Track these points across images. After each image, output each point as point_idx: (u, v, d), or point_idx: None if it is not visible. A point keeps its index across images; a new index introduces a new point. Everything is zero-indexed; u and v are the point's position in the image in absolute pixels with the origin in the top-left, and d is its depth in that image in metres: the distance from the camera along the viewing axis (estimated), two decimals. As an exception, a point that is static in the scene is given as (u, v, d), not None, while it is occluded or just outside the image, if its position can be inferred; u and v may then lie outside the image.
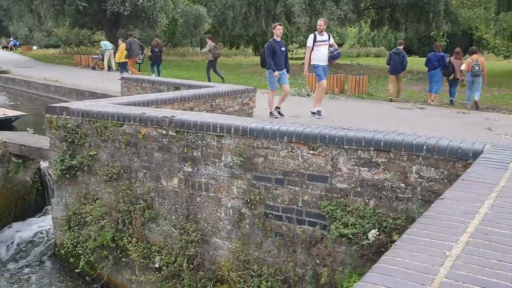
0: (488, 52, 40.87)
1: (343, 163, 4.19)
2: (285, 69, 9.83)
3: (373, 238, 3.98)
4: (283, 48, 9.76)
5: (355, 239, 4.08)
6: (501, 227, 2.20)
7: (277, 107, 9.88)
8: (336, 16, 19.87)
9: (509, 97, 15.39)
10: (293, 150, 4.37)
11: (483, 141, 3.91)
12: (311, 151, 4.30)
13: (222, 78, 17.12)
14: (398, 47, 14.29)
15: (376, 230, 4.00)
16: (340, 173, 4.21)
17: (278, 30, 9.64)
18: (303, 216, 4.40)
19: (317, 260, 4.31)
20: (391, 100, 13.69)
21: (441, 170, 3.82)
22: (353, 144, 4.12)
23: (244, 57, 34.41)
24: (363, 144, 4.08)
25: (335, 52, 9.93)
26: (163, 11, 27.00)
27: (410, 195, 3.94)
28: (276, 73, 9.50)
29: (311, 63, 9.96)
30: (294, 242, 4.44)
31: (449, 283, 1.69)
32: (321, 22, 10.00)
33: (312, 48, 9.81)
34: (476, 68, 12.32)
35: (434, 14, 23.63)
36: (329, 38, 9.96)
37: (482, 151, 3.66)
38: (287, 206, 4.45)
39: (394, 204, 4.01)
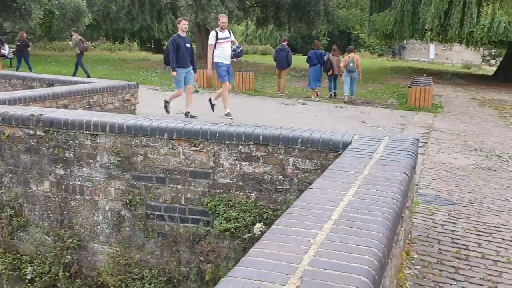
0: (365, 50, 44.14)
1: (225, 158, 4.19)
2: (191, 67, 9.43)
3: (259, 232, 4.04)
4: (188, 45, 9.36)
5: (237, 233, 4.11)
6: (363, 213, 2.33)
7: (187, 112, 9.41)
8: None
9: (382, 92, 16.75)
10: (174, 147, 4.28)
11: (351, 133, 4.16)
12: (193, 148, 4.25)
13: (75, 74, 16.12)
14: (282, 43, 15.34)
15: (262, 223, 4.08)
16: (222, 168, 4.21)
17: (184, 25, 9.27)
18: (186, 214, 4.33)
19: (201, 257, 4.28)
20: (279, 92, 14.75)
21: (315, 161, 4.00)
22: (234, 139, 4.14)
23: (129, 52, 33.16)
24: (243, 138, 4.13)
25: (238, 50, 9.86)
26: (36, 2, 24.96)
27: (288, 187, 4.06)
28: (174, 73, 9.15)
29: (214, 61, 9.74)
30: (177, 241, 4.35)
31: (311, 271, 1.74)
32: (224, 19, 9.79)
33: (215, 46, 9.58)
34: (351, 64, 13.42)
35: (315, 14, 24.87)
36: (231, 35, 9.86)
37: (351, 142, 3.89)
38: (169, 205, 4.35)
39: (274, 196, 4.12)
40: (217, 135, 4.15)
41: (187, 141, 4.23)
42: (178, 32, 9.35)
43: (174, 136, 4.24)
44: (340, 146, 3.91)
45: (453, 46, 32.43)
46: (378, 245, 1.98)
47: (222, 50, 9.58)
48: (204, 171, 4.23)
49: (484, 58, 42.76)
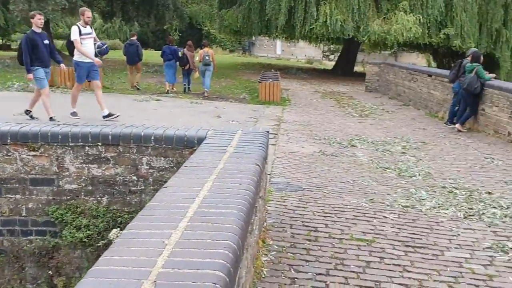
0: (217, 46, 44.90)
1: (70, 162, 3.89)
2: (50, 68, 8.54)
3: (116, 237, 3.83)
4: (46, 41, 8.35)
5: (90, 241, 3.85)
6: (217, 207, 2.33)
7: (27, 110, 8.46)
8: (61, 7, 18.47)
9: (235, 87, 17.24)
10: (9, 153, 3.83)
11: (206, 128, 4.17)
12: (32, 152, 3.85)
13: None
14: (131, 38, 15.44)
15: (119, 228, 3.87)
16: (67, 173, 3.90)
17: (39, 20, 8.21)
18: (29, 226, 3.93)
19: (50, 271, 3.92)
20: (132, 87, 14.55)
21: (170, 158, 3.92)
22: (79, 140, 3.87)
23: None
24: (90, 139, 3.87)
25: (104, 47, 9.11)
26: None
27: (143, 187, 3.93)
28: (30, 76, 8.18)
29: (75, 59, 8.90)
30: (20, 257, 3.92)
31: (165, 273, 1.68)
32: (90, 14, 8.99)
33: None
34: (207, 58, 14.07)
35: (164, 9, 24.53)
36: (93, 31, 9.10)
37: (206, 137, 3.90)
38: (7, 218, 3.90)
39: (128, 198, 3.95)
40: (60, 137, 3.83)
41: (25, 146, 3.83)
42: (33, 28, 8.35)
43: (9, 141, 3.80)
44: (195, 141, 3.89)
45: (298, 42, 34.75)
46: (232, 237, 1.99)
47: (85, 48, 8.80)
48: (47, 178, 3.88)
49: (324, 53, 46.66)
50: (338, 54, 33.52)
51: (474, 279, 3.40)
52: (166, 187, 2.63)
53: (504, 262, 3.70)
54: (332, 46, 38.93)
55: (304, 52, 44.28)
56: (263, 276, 3.23)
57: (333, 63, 33.32)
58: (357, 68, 29.24)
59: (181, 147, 3.91)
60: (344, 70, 26.06)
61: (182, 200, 2.40)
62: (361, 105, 13.81)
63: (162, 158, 3.93)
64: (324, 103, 14.16)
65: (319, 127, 9.79)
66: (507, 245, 3.99)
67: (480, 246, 3.99)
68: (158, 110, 10.79)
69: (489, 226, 4.46)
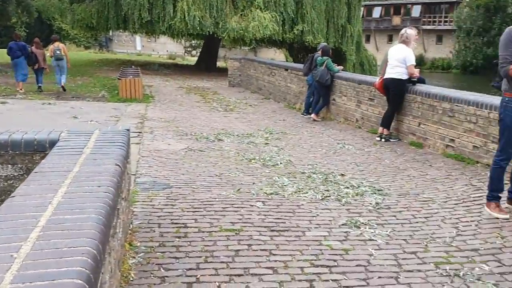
0: (70, 43, 42.05)
1: None
2: None
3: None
4: None
5: None
6: (74, 213, 2.18)
7: None
8: None
9: (92, 85, 16.34)
10: None
11: (59, 130, 3.88)
12: None
13: None
14: None
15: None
16: None
17: None
18: None
19: None
20: None
21: (19, 166, 3.58)
22: None
23: None
24: None
25: None
26: None
27: (-12, 199, 3.52)
28: None
29: None
30: None
31: (15, 289, 1.53)
32: None
33: None
34: (58, 52, 13.69)
35: (3, 2, 22.22)
36: None
37: (59, 140, 3.63)
38: None
39: (-29, 213, 3.50)
40: None
41: None
42: None
43: None
44: (47, 145, 3.60)
45: (158, 38, 34.15)
46: (91, 243, 1.89)
47: None
48: None
49: (186, 49, 46.62)
50: (200, 49, 33.72)
51: (333, 254, 3.69)
52: (14, 196, 2.39)
53: (357, 236, 4.09)
54: (194, 41, 39.05)
55: (166, 48, 43.80)
56: (131, 279, 3.13)
57: (196, 58, 33.45)
58: (220, 64, 29.74)
59: (31, 152, 3.59)
60: (207, 66, 26.31)
61: (32, 209, 2.21)
62: (226, 100, 14.09)
63: (10, 165, 3.56)
64: (189, 99, 14.15)
65: (185, 123, 9.76)
66: (359, 221, 4.41)
67: (336, 224, 4.35)
68: (4, 114, 9.76)
69: (343, 205, 4.89)
